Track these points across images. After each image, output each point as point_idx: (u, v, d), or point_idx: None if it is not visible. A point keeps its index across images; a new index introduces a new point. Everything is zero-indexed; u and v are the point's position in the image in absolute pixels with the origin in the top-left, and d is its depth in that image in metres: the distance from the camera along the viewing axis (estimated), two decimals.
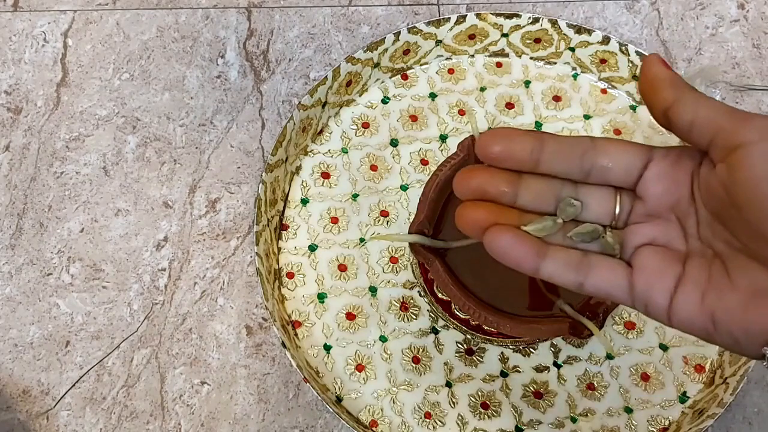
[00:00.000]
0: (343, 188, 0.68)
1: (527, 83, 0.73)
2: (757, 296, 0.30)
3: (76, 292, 0.64)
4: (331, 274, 0.65)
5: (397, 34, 0.71)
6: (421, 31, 0.72)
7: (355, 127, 0.71)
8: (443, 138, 0.71)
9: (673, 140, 0.72)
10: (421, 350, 0.62)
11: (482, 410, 0.60)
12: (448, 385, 0.61)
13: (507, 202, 0.37)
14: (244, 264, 0.66)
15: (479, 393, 0.61)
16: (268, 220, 0.64)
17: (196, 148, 0.70)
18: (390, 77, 0.73)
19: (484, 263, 0.59)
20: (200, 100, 0.73)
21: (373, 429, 0.60)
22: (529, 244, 0.35)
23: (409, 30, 0.71)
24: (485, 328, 0.61)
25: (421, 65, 0.74)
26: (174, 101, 0.72)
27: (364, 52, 0.70)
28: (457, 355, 0.62)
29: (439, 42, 0.73)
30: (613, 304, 0.56)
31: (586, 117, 0.72)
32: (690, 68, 0.75)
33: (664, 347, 0.63)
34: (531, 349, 0.63)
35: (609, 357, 0.62)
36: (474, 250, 0.60)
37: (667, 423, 0.60)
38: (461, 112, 0.72)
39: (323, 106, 0.70)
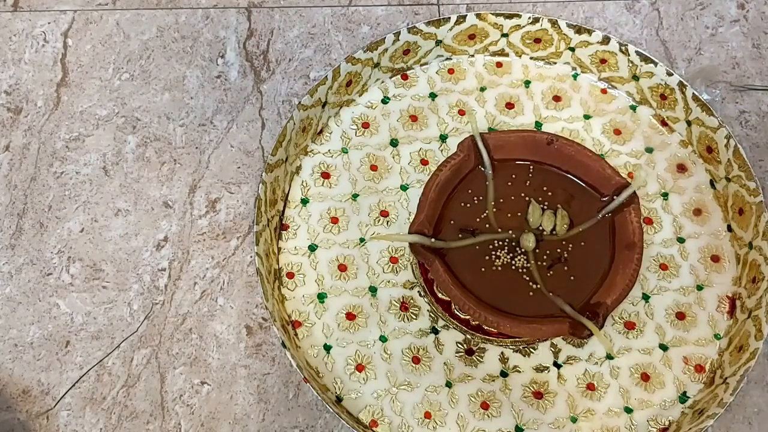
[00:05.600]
0: (343, 188, 0.68)
1: (527, 83, 0.73)
2: None
3: (76, 292, 0.64)
4: (331, 274, 0.65)
5: (397, 34, 0.71)
6: (421, 31, 0.72)
7: (355, 127, 0.71)
8: (443, 138, 0.71)
9: (674, 140, 0.72)
10: (421, 350, 0.62)
11: (482, 410, 0.60)
12: (448, 385, 0.61)
13: None
14: (244, 264, 0.66)
15: (479, 393, 0.61)
16: (268, 220, 0.64)
17: (196, 148, 0.70)
18: (390, 77, 0.73)
19: (483, 263, 0.59)
20: (200, 100, 0.73)
21: (373, 429, 0.60)
22: None
23: (409, 30, 0.71)
24: (485, 328, 0.61)
25: (421, 65, 0.74)
26: (174, 101, 0.72)
27: (364, 52, 0.70)
28: (457, 355, 0.62)
29: (439, 42, 0.73)
30: (613, 303, 0.56)
31: (586, 117, 0.72)
32: (690, 68, 0.75)
33: (664, 347, 0.63)
34: (531, 349, 0.63)
35: (609, 357, 0.62)
36: (474, 250, 0.60)
37: (667, 423, 0.60)
38: (461, 112, 0.72)
39: (323, 106, 0.70)
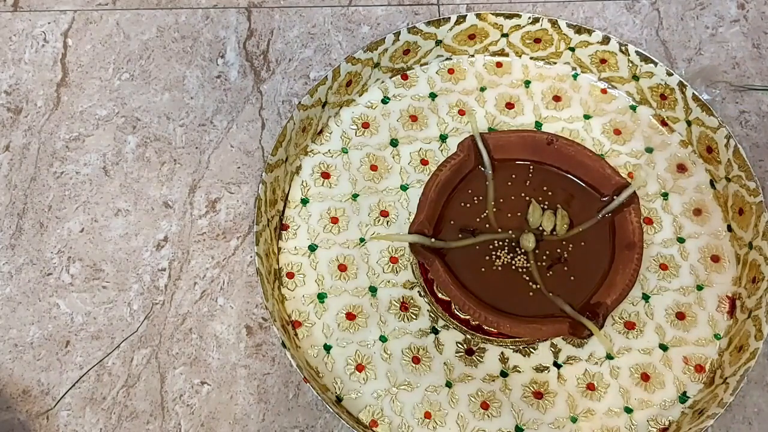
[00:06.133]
0: (343, 188, 0.68)
1: (527, 83, 0.73)
2: None
3: (76, 292, 0.64)
4: (331, 274, 0.65)
5: (397, 34, 0.71)
6: (421, 31, 0.72)
7: (355, 127, 0.71)
8: (443, 138, 0.71)
9: (674, 140, 0.72)
10: (421, 350, 0.62)
11: (482, 410, 0.60)
12: (448, 385, 0.61)
13: None
14: (244, 264, 0.66)
15: (479, 393, 0.61)
16: (268, 220, 0.64)
17: (196, 148, 0.70)
18: (390, 77, 0.73)
19: (483, 263, 0.59)
20: (200, 100, 0.73)
21: (373, 429, 0.60)
22: None
23: (409, 30, 0.71)
24: (485, 328, 0.61)
25: (421, 65, 0.74)
26: (174, 101, 0.72)
27: (364, 52, 0.70)
28: (457, 355, 0.62)
29: (439, 42, 0.73)
30: (613, 303, 0.56)
31: (586, 117, 0.72)
32: (690, 68, 0.75)
33: (664, 347, 0.63)
34: (531, 349, 0.63)
35: (609, 357, 0.62)
36: (474, 250, 0.60)
37: (667, 423, 0.60)
38: (461, 112, 0.72)
39: (323, 106, 0.70)
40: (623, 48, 0.71)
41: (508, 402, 0.61)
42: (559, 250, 0.60)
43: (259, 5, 0.77)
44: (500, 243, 0.60)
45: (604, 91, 0.73)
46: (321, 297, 0.64)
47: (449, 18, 0.72)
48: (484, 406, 0.60)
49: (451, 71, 0.74)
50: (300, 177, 0.69)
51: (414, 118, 0.71)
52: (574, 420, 0.60)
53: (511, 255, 0.59)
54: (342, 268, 0.65)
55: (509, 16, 0.73)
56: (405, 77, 0.73)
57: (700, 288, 0.65)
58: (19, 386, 0.61)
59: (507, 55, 0.75)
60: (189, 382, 0.61)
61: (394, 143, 0.70)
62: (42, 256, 0.66)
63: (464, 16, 0.72)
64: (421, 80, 0.73)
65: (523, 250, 0.59)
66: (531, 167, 0.63)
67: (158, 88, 0.73)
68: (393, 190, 0.68)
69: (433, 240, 0.59)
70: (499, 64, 0.74)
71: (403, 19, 0.77)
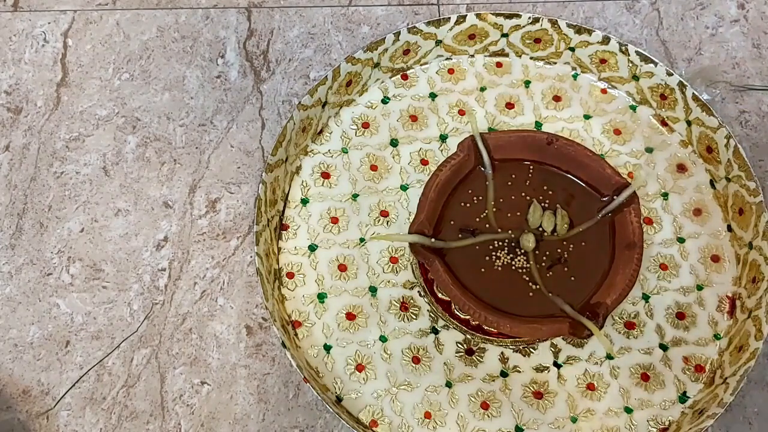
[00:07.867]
0: (343, 188, 0.68)
1: (527, 83, 0.73)
2: None
3: (76, 292, 0.64)
4: (331, 274, 0.65)
5: (397, 34, 0.71)
6: (421, 31, 0.72)
7: (355, 127, 0.71)
8: (443, 138, 0.71)
9: (674, 140, 0.72)
10: (421, 350, 0.62)
11: (482, 410, 0.60)
12: (448, 385, 0.61)
13: None
14: (244, 264, 0.66)
15: (479, 393, 0.61)
16: (268, 220, 0.64)
17: (196, 148, 0.70)
18: (390, 77, 0.73)
19: (483, 263, 0.59)
20: (200, 100, 0.73)
21: (373, 429, 0.60)
22: None
23: (409, 30, 0.71)
24: (485, 328, 0.61)
25: (421, 65, 0.74)
26: (174, 101, 0.72)
27: (364, 52, 0.70)
28: (457, 355, 0.62)
29: (439, 42, 0.73)
30: (613, 303, 0.56)
31: (586, 117, 0.72)
32: (690, 68, 0.75)
33: (664, 347, 0.63)
34: (531, 349, 0.63)
35: (609, 357, 0.62)
36: (474, 250, 0.60)
37: (667, 423, 0.60)
38: (461, 112, 0.72)
39: (323, 106, 0.70)
40: (623, 48, 0.71)
41: (508, 402, 0.61)
42: (559, 250, 0.60)
43: (259, 5, 0.77)
44: (500, 243, 0.60)
45: (604, 91, 0.73)
46: (321, 297, 0.64)
47: (449, 18, 0.72)
48: (484, 406, 0.60)
49: (451, 71, 0.74)
50: (300, 177, 0.69)
51: (414, 118, 0.71)
52: (574, 420, 0.60)
53: (511, 255, 0.59)
54: (342, 268, 0.65)
55: (509, 16, 0.73)
56: (405, 77, 0.73)
57: (700, 288, 0.65)
58: (19, 386, 0.61)
59: (507, 55, 0.75)
60: (189, 382, 0.61)
61: (394, 143, 0.70)
62: (42, 256, 0.66)
63: (464, 16, 0.72)
64: (421, 80, 0.73)
65: (523, 250, 0.59)
66: (531, 167, 0.63)
67: (158, 88, 0.73)
68: (393, 190, 0.68)
69: (433, 240, 0.59)
70: (499, 64, 0.74)
71: (403, 19, 0.77)
